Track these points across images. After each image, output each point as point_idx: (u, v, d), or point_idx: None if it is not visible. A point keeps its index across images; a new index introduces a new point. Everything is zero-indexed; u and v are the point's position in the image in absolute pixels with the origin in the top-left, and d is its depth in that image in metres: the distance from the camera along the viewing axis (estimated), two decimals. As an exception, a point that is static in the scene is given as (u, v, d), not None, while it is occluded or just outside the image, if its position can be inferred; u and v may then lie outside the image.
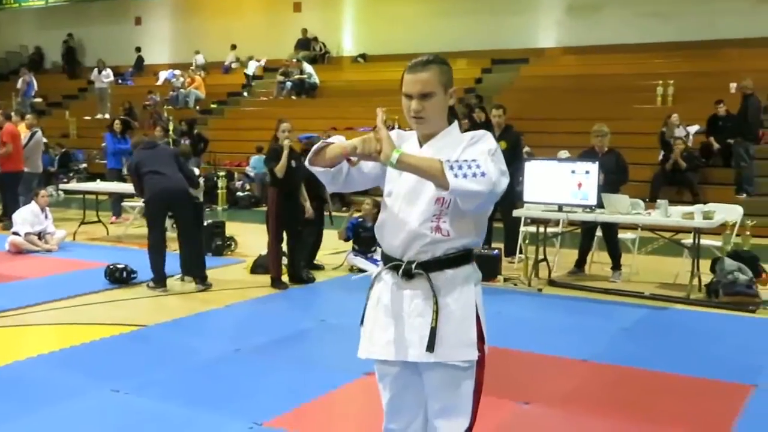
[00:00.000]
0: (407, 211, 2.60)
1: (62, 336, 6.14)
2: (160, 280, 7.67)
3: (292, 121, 8.25)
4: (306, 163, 2.66)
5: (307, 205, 8.25)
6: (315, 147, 2.60)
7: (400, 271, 2.61)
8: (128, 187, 9.77)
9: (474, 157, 2.45)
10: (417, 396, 2.69)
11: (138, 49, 25.47)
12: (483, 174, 2.39)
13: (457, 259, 2.61)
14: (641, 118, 15.26)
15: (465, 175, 2.37)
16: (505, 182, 2.47)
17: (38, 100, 23.10)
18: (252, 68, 22.72)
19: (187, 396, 4.74)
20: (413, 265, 2.59)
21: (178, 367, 5.33)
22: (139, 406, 4.56)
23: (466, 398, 2.61)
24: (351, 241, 8.93)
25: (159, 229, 7.78)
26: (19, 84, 21.75)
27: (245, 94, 22.49)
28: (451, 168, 2.38)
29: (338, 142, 2.59)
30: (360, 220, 8.92)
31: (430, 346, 2.54)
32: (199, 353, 5.64)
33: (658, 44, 17.86)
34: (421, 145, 2.66)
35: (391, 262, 2.65)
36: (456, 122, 2.71)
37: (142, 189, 7.86)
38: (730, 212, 8.21)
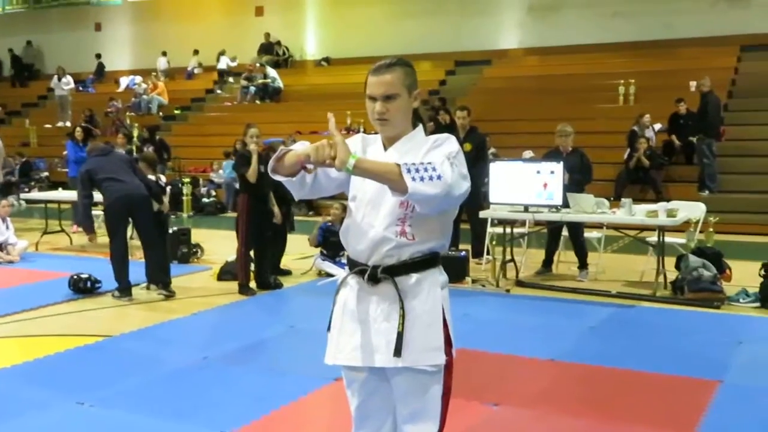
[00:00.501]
0: (372, 216, 2.58)
1: (26, 348, 6.02)
2: (124, 289, 7.56)
3: (257, 126, 8.17)
4: (269, 171, 2.61)
5: (276, 209, 8.20)
6: (275, 155, 2.55)
7: (366, 275, 2.59)
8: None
9: (431, 159, 2.44)
10: (385, 401, 2.67)
11: (98, 56, 25.17)
12: (439, 177, 2.37)
13: (423, 262, 2.59)
14: (604, 117, 15.43)
15: (422, 179, 2.35)
16: (464, 186, 2.47)
17: (-4, 108, 22.75)
18: (224, 63, 22.48)
19: (154, 406, 4.67)
20: (379, 270, 2.57)
21: (145, 377, 5.25)
22: (104, 418, 4.48)
23: (434, 403, 2.60)
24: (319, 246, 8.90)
25: (121, 237, 7.65)
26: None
27: (219, 91, 22.29)
28: (408, 171, 2.35)
29: (296, 149, 2.53)
30: (329, 224, 8.88)
31: (397, 351, 2.52)
32: (166, 363, 5.56)
33: (618, 44, 18.10)
34: (385, 149, 2.64)
35: (357, 267, 2.63)
36: (420, 125, 2.70)
37: (89, 198, 7.72)
38: (693, 209, 8.32)
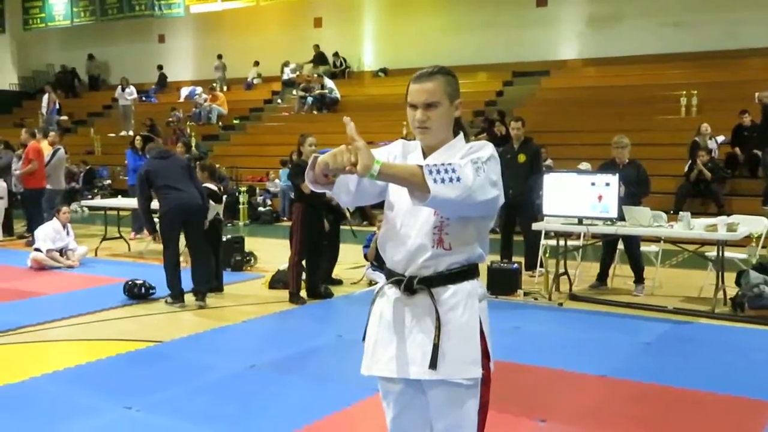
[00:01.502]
0: (409, 225, 2.54)
1: (79, 352, 6.14)
2: (177, 295, 7.65)
3: (313, 136, 8.20)
4: (308, 182, 2.54)
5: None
6: (309, 164, 2.46)
7: (402, 286, 2.55)
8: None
9: (451, 161, 2.36)
10: (421, 414, 2.62)
11: (160, 67, 25.69)
12: (458, 179, 2.29)
13: (461, 274, 2.54)
14: (665, 129, 15.12)
15: (443, 180, 2.27)
16: (491, 192, 2.38)
17: (64, 118, 23.37)
18: (288, 74, 22.70)
19: (200, 413, 4.69)
20: (415, 281, 2.53)
21: (192, 383, 5.28)
22: (150, 424, 4.52)
23: (470, 418, 2.54)
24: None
25: (174, 246, 7.72)
26: (44, 102, 22.01)
27: (279, 101, 22.50)
28: (430, 173, 2.27)
29: (323, 157, 2.43)
30: (376, 236, 8.87)
31: (433, 364, 2.48)
32: (214, 369, 5.59)
33: (679, 54, 17.71)
34: (425, 157, 2.60)
35: (394, 277, 2.59)
36: (462, 134, 2.65)
37: (148, 201, 7.75)
38: (755, 224, 8.04)
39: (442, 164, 2.32)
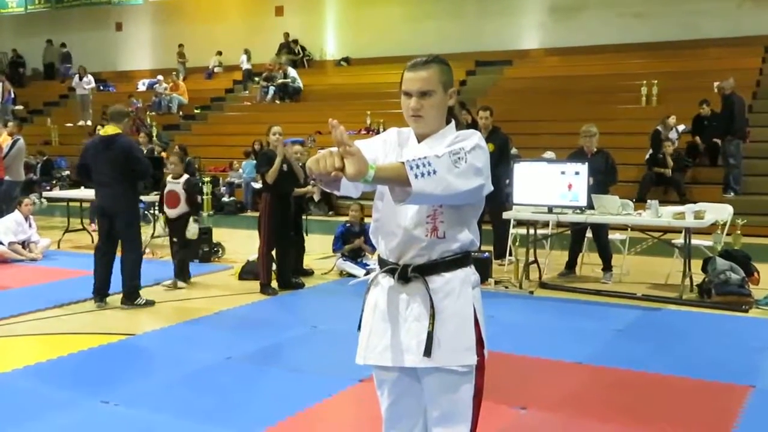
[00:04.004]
0: (403, 214, 2.52)
1: (49, 346, 6.01)
2: (96, 291, 7.24)
3: (279, 125, 8.16)
4: (324, 188, 2.48)
5: None
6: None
7: (396, 275, 2.55)
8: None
9: (428, 153, 2.34)
10: (417, 402, 2.63)
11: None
12: (434, 172, 2.28)
13: (454, 261, 2.55)
14: (626, 118, 15.29)
15: (423, 174, 2.27)
16: (474, 180, 2.37)
17: (20, 107, 22.85)
18: (247, 64, 22.41)
19: (179, 407, 4.64)
20: (409, 269, 2.53)
21: (169, 376, 5.23)
22: (129, 418, 4.46)
23: (465, 404, 2.56)
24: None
25: (101, 235, 7.34)
26: (-2, 91, 21.49)
27: (246, 92, 22.20)
28: (411, 168, 2.26)
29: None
30: (348, 225, 8.84)
31: (427, 351, 2.49)
32: (190, 362, 5.53)
33: (641, 44, 17.93)
34: (418, 143, 2.60)
35: (387, 266, 2.59)
36: (453, 122, 2.65)
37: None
38: (720, 212, 8.19)
39: (419, 158, 2.31)
